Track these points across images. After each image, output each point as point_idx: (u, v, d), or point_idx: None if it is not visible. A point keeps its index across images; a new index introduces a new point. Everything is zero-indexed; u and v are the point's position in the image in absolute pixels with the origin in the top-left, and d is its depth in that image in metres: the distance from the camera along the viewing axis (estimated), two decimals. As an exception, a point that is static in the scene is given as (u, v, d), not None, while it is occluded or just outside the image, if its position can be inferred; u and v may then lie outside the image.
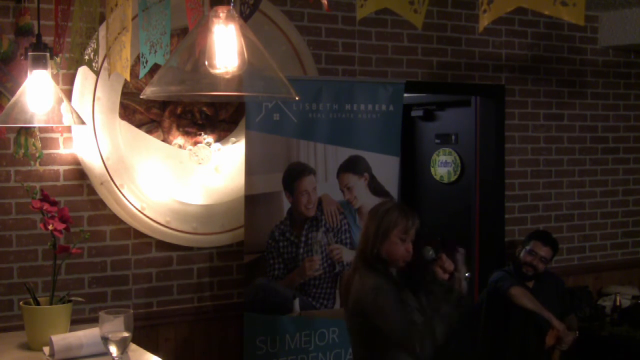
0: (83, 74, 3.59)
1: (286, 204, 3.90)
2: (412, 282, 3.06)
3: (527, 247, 4.24)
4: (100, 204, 3.75)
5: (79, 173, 3.71)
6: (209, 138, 4.02)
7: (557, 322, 4.05)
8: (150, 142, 3.89)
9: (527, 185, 5.09)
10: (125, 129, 3.82)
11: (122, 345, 2.36)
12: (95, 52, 2.75)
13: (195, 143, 4.00)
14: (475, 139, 5.09)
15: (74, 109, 2.77)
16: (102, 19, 2.65)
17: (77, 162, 3.70)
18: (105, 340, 2.36)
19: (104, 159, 3.70)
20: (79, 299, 3.18)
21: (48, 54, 2.66)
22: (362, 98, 4.00)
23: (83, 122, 2.77)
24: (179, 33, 3.72)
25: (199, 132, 4.00)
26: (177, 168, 3.95)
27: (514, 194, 5.03)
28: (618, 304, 4.85)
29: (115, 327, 2.35)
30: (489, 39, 4.88)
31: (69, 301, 3.00)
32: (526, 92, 5.06)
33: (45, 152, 3.63)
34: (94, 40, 2.73)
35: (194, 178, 3.98)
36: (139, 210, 3.79)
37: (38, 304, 2.95)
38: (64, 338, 2.79)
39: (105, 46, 2.54)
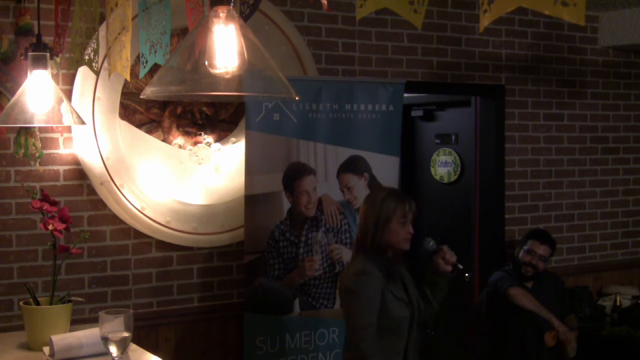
0: (83, 74, 3.59)
1: (286, 204, 3.90)
2: (415, 274, 3.10)
3: (525, 247, 4.24)
4: (100, 204, 3.75)
5: (79, 173, 3.71)
6: (209, 138, 4.02)
7: (557, 322, 4.05)
8: (150, 142, 3.89)
9: (527, 185, 5.09)
10: (125, 129, 3.82)
11: (122, 345, 2.36)
12: (95, 52, 2.75)
13: (195, 143, 4.00)
14: (475, 139, 5.08)
15: (74, 109, 2.77)
16: (102, 19, 2.65)
17: (77, 162, 3.70)
18: (105, 340, 2.36)
19: (104, 159, 3.70)
20: (79, 299, 3.18)
21: (48, 54, 2.66)
22: (362, 98, 4.00)
23: (83, 122, 2.77)
24: (179, 33, 3.72)
25: (199, 132, 4.00)
26: (177, 168, 3.95)
27: (514, 194, 5.03)
28: (618, 304, 4.85)
29: (115, 327, 2.35)
30: (489, 39, 4.88)
31: (69, 301, 3.00)
32: (526, 92, 5.06)
33: (45, 152, 3.63)
34: (94, 40, 2.73)
35: (194, 178, 3.98)
36: (139, 210, 3.79)
37: (38, 304, 2.95)
38: (64, 338, 2.79)
39: (105, 46, 2.55)
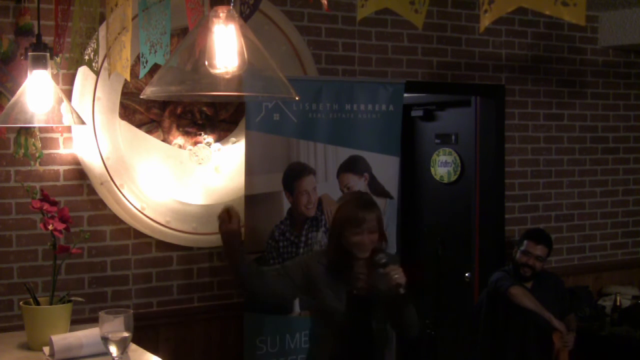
0: (83, 74, 3.59)
1: (286, 204, 3.90)
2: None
3: (522, 248, 4.24)
4: (100, 204, 3.75)
5: (79, 173, 3.71)
6: (209, 138, 4.02)
7: (557, 323, 4.05)
8: (150, 142, 3.89)
9: (527, 185, 5.09)
10: (125, 129, 3.82)
11: (122, 345, 2.36)
12: (95, 52, 2.75)
13: (195, 143, 4.00)
14: (475, 139, 5.08)
15: (74, 109, 2.77)
16: (102, 19, 2.65)
17: (77, 162, 3.70)
18: (105, 340, 2.35)
19: (104, 159, 3.70)
20: (79, 299, 3.18)
21: (48, 54, 2.66)
22: (362, 98, 4.00)
23: (83, 122, 2.77)
24: (179, 33, 3.72)
25: (199, 132, 4.00)
26: (177, 168, 3.95)
27: (514, 194, 5.03)
28: (618, 304, 4.85)
29: (115, 327, 2.34)
30: (489, 39, 4.88)
31: (69, 301, 3.00)
32: (526, 92, 5.06)
33: (45, 152, 3.63)
34: (94, 40, 2.73)
35: (194, 178, 3.98)
36: (139, 210, 3.79)
37: (38, 304, 2.95)
38: (64, 338, 2.79)
39: (105, 46, 2.54)
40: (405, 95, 4.22)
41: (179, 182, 3.95)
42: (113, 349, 2.35)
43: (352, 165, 4.00)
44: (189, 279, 4.01)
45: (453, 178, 5.38)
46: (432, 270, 4.46)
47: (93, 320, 3.10)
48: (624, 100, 5.49)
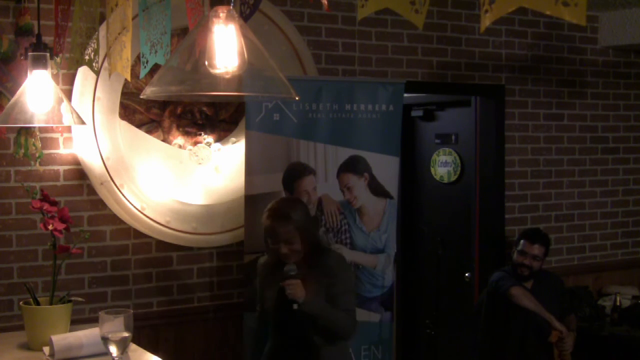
0: (83, 74, 3.59)
1: (286, 204, 3.90)
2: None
3: (518, 248, 4.24)
4: (100, 204, 3.75)
5: (79, 173, 3.71)
6: (209, 138, 4.02)
7: (557, 323, 4.04)
8: (150, 142, 3.89)
9: (527, 185, 5.09)
10: (125, 129, 3.82)
11: (122, 345, 2.36)
12: (96, 52, 2.75)
13: (195, 143, 4.00)
14: (475, 139, 5.08)
15: (74, 109, 2.77)
16: (102, 19, 2.65)
17: (77, 162, 3.70)
18: (105, 340, 2.36)
19: (104, 159, 3.70)
20: (79, 299, 3.18)
21: (48, 54, 2.66)
22: (362, 98, 4.00)
23: (83, 122, 2.77)
24: (179, 33, 3.72)
25: (199, 132, 4.00)
26: (177, 168, 3.95)
27: (514, 194, 5.03)
28: (618, 304, 4.85)
29: (115, 327, 2.35)
30: (489, 39, 4.88)
31: (69, 301, 3.00)
32: (526, 92, 5.06)
33: (45, 152, 3.63)
34: (94, 40, 2.73)
35: (194, 178, 3.98)
36: (139, 210, 3.79)
37: (38, 304, 2.95)
38: (64, 338, 2.79)
39: (105, 46, 2.54)
40: (405, 95, 4.22)
41: (179, 182, 3.94)
42: (113, 349, 2.35)
43: (352, 166, 4.00)
44: (189, 279, 4.01)
45: (453, 178, 5.38)
46: (432, 270, 4.46)
47: (93, 320, 3.10)
48: (624, 100, 5.49)
